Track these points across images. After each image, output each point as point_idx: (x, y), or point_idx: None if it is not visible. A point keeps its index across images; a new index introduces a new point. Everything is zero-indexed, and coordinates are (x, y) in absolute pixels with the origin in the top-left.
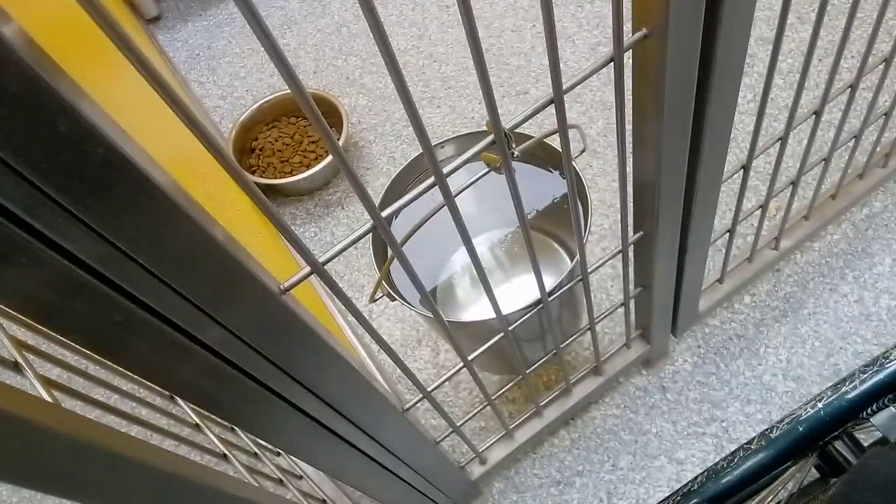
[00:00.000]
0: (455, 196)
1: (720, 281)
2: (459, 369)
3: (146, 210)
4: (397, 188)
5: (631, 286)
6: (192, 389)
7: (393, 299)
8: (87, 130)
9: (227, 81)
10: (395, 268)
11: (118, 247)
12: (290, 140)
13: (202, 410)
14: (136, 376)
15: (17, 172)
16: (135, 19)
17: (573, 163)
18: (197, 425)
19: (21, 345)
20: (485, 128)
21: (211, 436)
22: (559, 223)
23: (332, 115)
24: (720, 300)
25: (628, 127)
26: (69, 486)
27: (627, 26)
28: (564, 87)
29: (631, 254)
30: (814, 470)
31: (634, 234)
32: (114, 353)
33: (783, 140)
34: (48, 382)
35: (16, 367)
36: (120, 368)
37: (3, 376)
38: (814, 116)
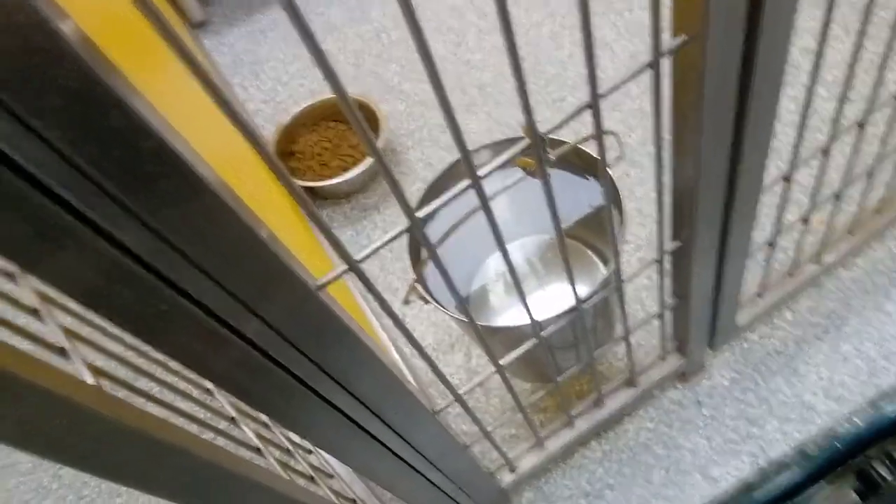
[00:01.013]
0: (490, 199)
1: (760, 295)
2: (491, 374)
3: (192, 203)
4: (433, 193)
5: (667, 297)
6: (228, 379)
7: (426, 302)
8: (138, 125)
9: (270, 86)
10: (430, 272)
11: (165, 237)
12: (329, 144)
13: (238, 404)
14: (176, 366)
15: (72, 163)
16: (181, 23)
17: (609, 170)
18: (233, 419)
19: (69, 332)
20: (521, 134)
21: (247, 430)
22: (595, 232)
23: (370, 120)
24: (760, 314)
25: (667, 135)
26: (108, 467)
27: (668, 35)
28: (601, 91)
29: (668, 264)
30: (853, 494)
31: (671, 243)
32: (156, 340)
33: (826, 151)
34: (93, 370)
35: (62, 352)
36: (162, 361)
37: (51, 361)
38: (858, 128)
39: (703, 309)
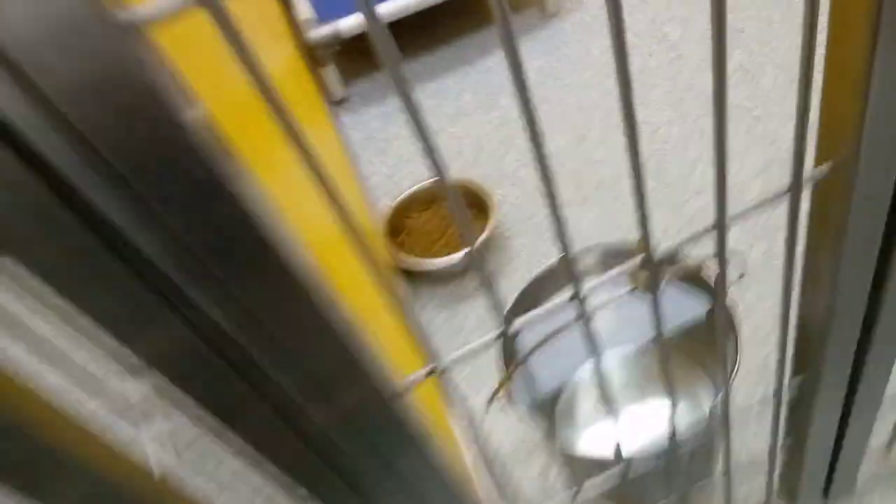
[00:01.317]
0: (592, 309)
1: (889, 449)
2: (570, 498)
3: (287, 292)
4: (533, 292)
5: (780, 435)
6: (297, 468)
7: (512, 403)
8: (250, 219)
9: (394, 163)
10: (520, 374)
11: (252, 315)
12: (438, 224)
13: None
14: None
15: (183, 246)
16: (321, 100)
17: (728, 289)
18: None
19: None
20: (634, 236)
21: None
22: (704, 346)
23: (482, 204)
24: (886, 474)
25: (798, 260)
26: None
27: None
28: (730, 213)
29: (785, 398)
30: None
31: (792, 377)
32: (229, 421)
33: None
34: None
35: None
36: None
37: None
38: None
39: (821, 455)
